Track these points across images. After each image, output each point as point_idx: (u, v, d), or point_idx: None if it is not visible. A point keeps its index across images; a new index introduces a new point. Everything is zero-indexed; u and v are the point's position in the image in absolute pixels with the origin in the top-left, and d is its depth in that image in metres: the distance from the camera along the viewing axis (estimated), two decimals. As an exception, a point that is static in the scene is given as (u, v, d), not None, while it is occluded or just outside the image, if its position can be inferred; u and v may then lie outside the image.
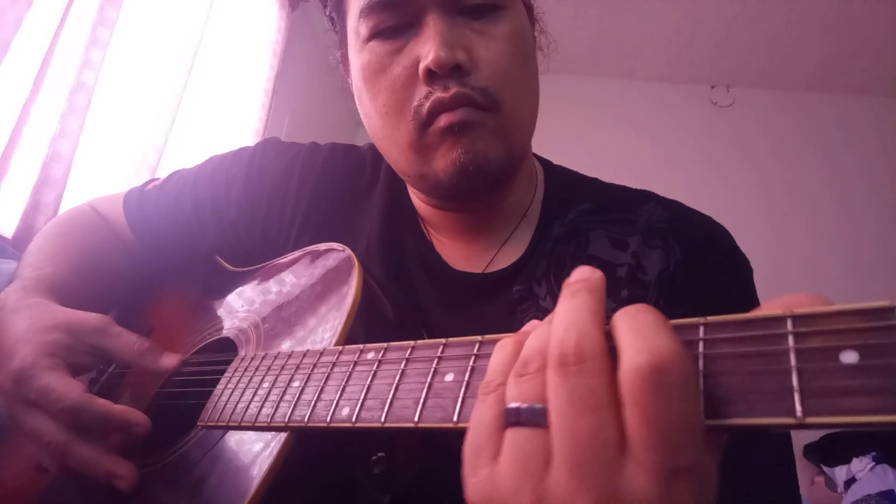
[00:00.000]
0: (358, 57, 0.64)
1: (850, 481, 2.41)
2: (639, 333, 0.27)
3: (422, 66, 0.58)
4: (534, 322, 0.35)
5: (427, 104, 0.58)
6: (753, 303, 0.65)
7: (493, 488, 0.29)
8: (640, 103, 3.54)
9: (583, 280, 0.32)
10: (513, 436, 0.29)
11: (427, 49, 0.57)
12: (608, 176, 0.77)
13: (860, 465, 2.40)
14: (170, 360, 0.63)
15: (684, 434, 0.25)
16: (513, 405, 0.30)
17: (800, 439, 2.69)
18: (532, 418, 0.29)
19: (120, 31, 1.67)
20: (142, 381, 0.68)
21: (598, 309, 0.30)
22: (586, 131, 3.44)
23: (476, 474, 0.30)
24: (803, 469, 2.69)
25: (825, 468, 2.59)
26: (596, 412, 0.27)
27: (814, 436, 2.69)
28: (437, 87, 0.58)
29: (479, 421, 0.31)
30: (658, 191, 0.73)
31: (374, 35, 0.62)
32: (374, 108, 0.63)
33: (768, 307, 0.28)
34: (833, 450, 2.57)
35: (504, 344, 0.34)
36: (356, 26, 0.63)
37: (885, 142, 3.30)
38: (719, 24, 3.07)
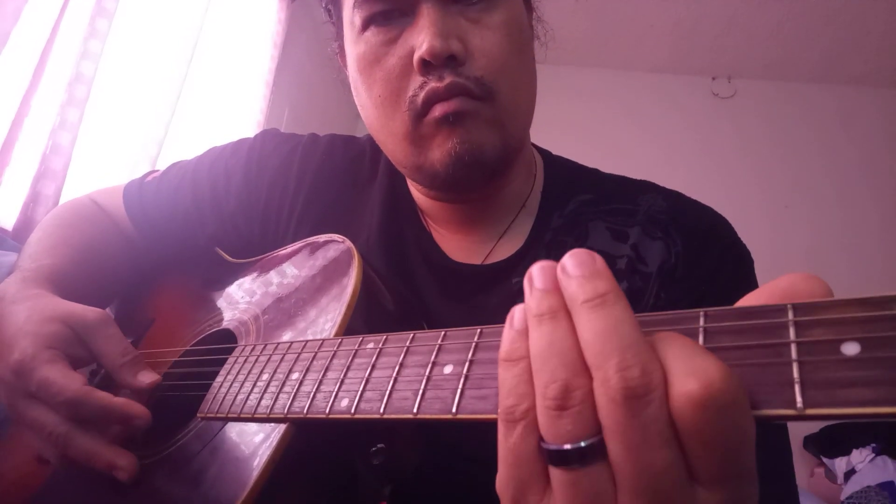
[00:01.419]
0: (353, 48, 0.64)
1: (850, 473, 2.42)
2: (678, 357, 0.26)
3: (416, 57, 0.57)
4: (519, 310, 0.31)
5: (422, 94, 0.58)
6: (755, 293, 0.64)
7: None
8: (640, 94, 3.53)
9: (597, 275, 0.28)
10: (568, 476, 0.27)
11: (421, 39, 0.57)
12: (609, 167, 0.77)
13: (860, 457, 2.41)
14: (146, 378, 0.59)
15: (744, 447, 0.25)
16: (561, 447, 0.27)
17: (800, 431, 2.70)
18: (591, 457, 0.26)
19: (119, 22, 1.66)
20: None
21: (634, 318, 0.27)
22: (587, 123, 3.43)
23: None
24: (803, 460, 2.70)
25: (825, 459, 2.60)
26: (671, 444, 0.25)
27: (814, 427, 2.70)
28: (432, 77, 0.58)
29: (515, 455, 0.28)
30: (659, 182, 0.73)
31: (369, 26, 0.61)
32: (369, 98, 0.63)
33: (765, 290, 0.28)
34: (833, 441, 2.58)
35: (512, 359, 0.30)
36: (351, 17, 0.63)
37: (887, 133, 3.30)
38: (721, 16, 3.06)
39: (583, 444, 0.26)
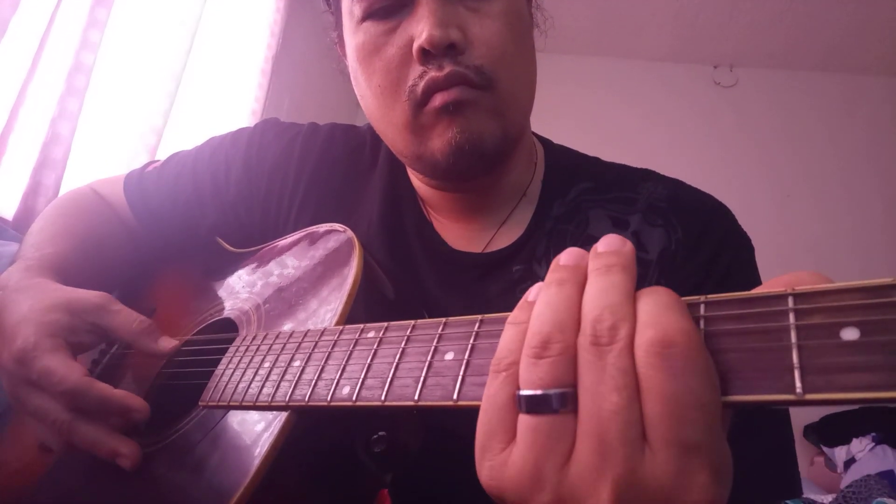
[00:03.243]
0: (352, 38, 0.64)
1: (849, 461, 2.42)
2: (649, 312, 0.28)
3: (416, 46, 0.57)
4: (536, 287, 0.33)
5: (421, 84, 0.58)
6: (755, 280, 0.64)
7: (512, 474, 0.29)
8: (642, 83, 3.52)
9: (615, 253, 0.31)
10: (532, 422, 0.29)
11: (420, 28, 0.57)
12: (610, 156, 0.76)
13: (860, 446, 2.42)
14: (167, 344, 0.62)
15: (692, 409, 0.26)
16: (532, 392, 0.29)
17: (800, 420, 2.71)
18: (550, 405, 0.28)
19: (118, 12, 1.65)
20: (144, 362, 0.69)
21: (631, 288, 0.29)
22: (588, 111, 3.42)
23: (492, 458, 0.30)
24: (803, 449, 2.71)
25: (825, 448, 2.61)
26: (623, 391, 0.27)
27: (814, 416, 2.70)
28: (432, 67, 0.57)
29: (490, 402, 0.31)
30: (660, 171, 0.73)
31: (368, 15, 0.61)
32: (369, 88, 0.63)
33: (770, 285, 0.28)
34: (833, 430, 2.58)
35: (517, 320, 0.32)
36: (350, 7, 0.63)
37: (892, 123, 3.29)
38: (723, 3, 3.04)
39: (551, 391, 0.28)
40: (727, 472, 0.27)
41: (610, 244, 0.31)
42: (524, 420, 0.29)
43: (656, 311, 0.28)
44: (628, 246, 0.31)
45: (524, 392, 0.29)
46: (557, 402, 0.28)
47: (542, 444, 0.28)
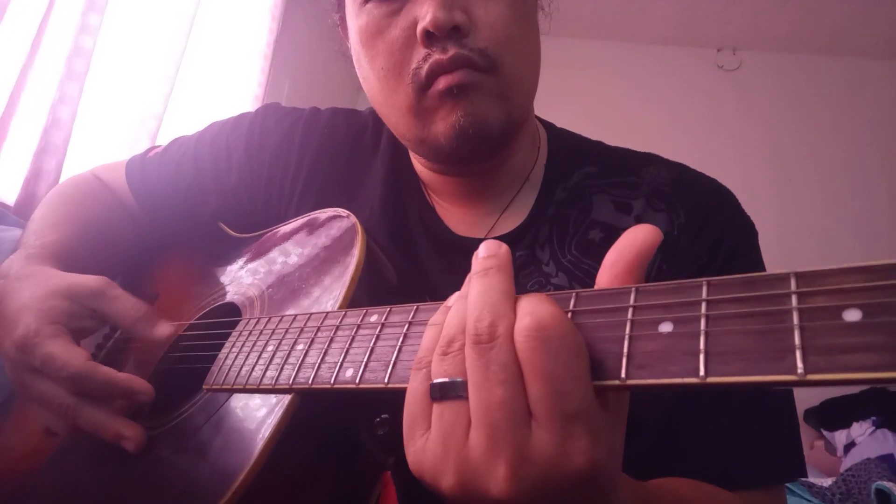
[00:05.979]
0: (355, 20, 0.63)
1: (849, 445, 2.43)
2: (524, 306, 0.31)
3: (419, 28, 0.57)
4: (454, 296, 0.36)
5: (425, 67, 0.57)
6: (758, 264, 0.64)
7: (426, 456, 0.33)
8: (645, 67, 3.50)
9: (492, 256, 0.35)
10: (438, 409, 0.33)
11: (424, 10, 0.56)
12: (613, 140, 0.76)
13: (860, 430, 2.43)
14: (165, 330, 0.61)
15: (569, 382, 0.29)
16: (436, 381, 0.33)
17: (800, 404, 2.72)
18: (453, 391, 0.32)
19: (117, -4, 1.64)
20: (148, 346, 0.69)
21: (508, 287, 0.33)
22: (591, 95, 3.40)
23: (414, 444, 0.34)
24: (803, 433, 2.69)
25: (825, 432, 2.62)
26: (507, 383, 0.30)
27: (814, 400, 2.71)
28: (436, 49, 0.57)
29: (412, 395, 0.34)
30: (663, 155, 0.73)
31: None
32: (372, 71, 0.63)
33: None
34: (833, 414, 2.59)
35: (435, 321, 0.36)
36: None
37: (895, 106, 3.26)
38: (727, -14, 3.01)
39: (449, 380, 0.32)
40: (604, 436, 0.30)
41: (489, 248, 0.35)
42: (435, 409, 0.33)
43: (531, 303, 0.31)
44: (503, 248, 0.35)
45: (433, 381, 0.33)
46: (449, 390, 0.32)
47: (447, 426, 0.32)
